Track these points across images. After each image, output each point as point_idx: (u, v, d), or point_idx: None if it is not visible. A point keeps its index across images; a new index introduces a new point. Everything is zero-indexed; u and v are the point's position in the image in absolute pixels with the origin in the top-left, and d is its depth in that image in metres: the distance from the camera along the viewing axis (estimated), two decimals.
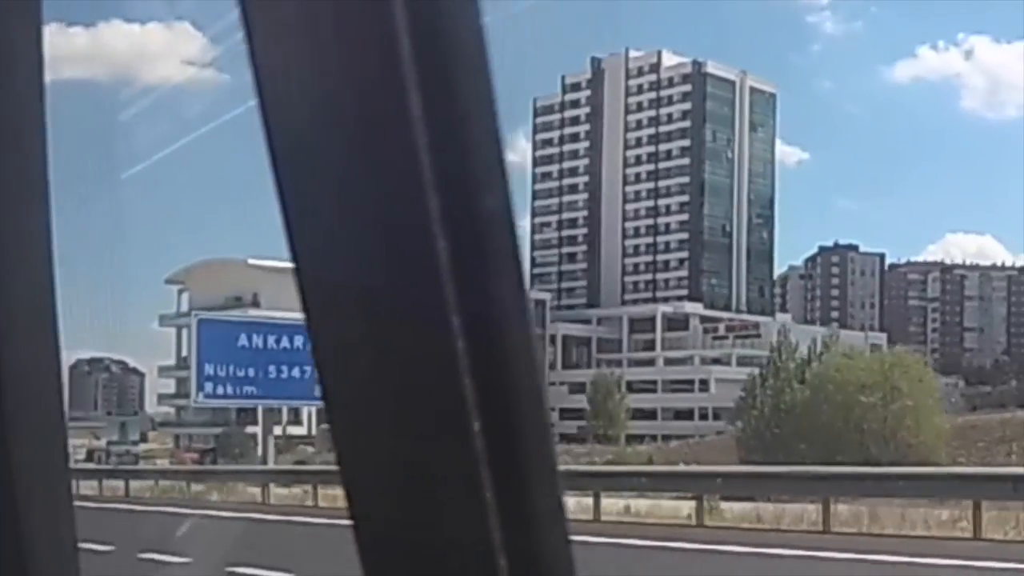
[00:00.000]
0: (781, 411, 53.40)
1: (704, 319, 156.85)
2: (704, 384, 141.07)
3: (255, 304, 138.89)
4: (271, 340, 31.53)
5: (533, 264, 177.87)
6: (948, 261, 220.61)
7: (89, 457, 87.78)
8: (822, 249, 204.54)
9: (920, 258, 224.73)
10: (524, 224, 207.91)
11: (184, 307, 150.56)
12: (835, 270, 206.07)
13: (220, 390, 30.81)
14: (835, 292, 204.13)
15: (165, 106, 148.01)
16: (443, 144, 0.95)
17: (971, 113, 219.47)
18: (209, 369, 30.59)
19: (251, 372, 31.14)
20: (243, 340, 31.00)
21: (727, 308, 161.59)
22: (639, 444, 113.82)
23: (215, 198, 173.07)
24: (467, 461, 0.91)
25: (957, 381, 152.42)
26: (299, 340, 31.97)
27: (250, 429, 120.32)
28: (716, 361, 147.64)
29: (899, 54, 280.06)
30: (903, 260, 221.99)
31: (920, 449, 48.22)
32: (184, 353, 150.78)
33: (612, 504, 28.29)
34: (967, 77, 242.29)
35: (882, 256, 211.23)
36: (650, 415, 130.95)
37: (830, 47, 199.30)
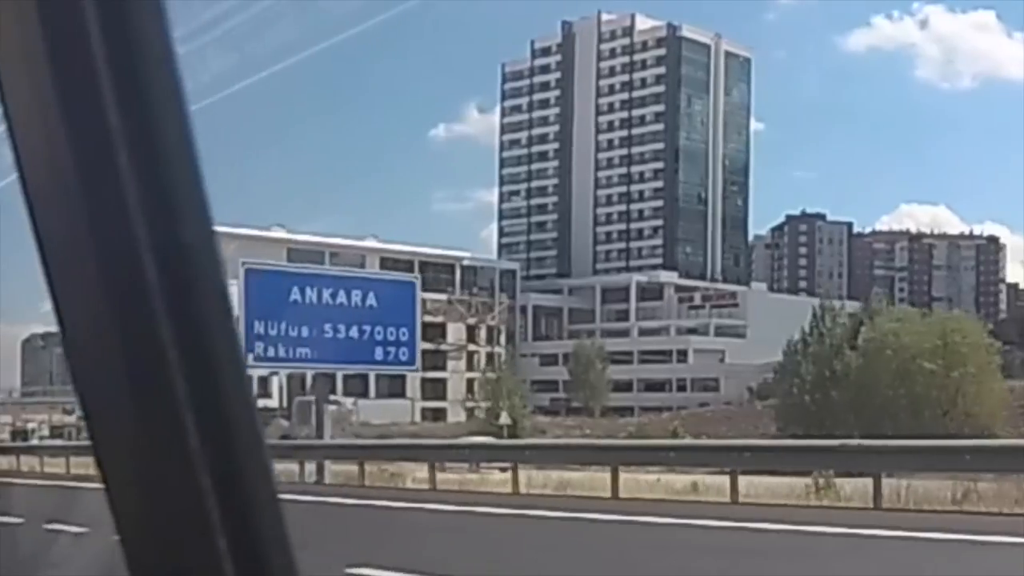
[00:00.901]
0: (828, 380, 49.88)
1: (679, 288, 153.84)
2: (682, 355, 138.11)
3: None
4: (326, 294, 27.57)
5: (501, 234, 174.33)
6: (913, 230, 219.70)
7: (58, 434, 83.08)
8: (789, 218, 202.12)
9: (882, 228, 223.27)
10: (492, 193, 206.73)
11: None
12: (803, 239, 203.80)
13: (271, 352, 26.81)
14: (803, 262, 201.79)
15: None
16: (144, 166, 1.07)
17: (926, 83, 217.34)
18: (259, 327, 26.52)
19: (305, 331, 27.17)
20: (295, 294, 27.03)
21: (702, 277, 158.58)
22: (620, 417, 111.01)
23: None
24: (183, 448, 1.08)
25: None
26: (356, 295, 28.20)
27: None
28: (692, 331, 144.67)
29: (854, 23, 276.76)
30: (868, 230, 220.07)
31: (981, 418, 45.18)
32: None
33: (646, 479, 26.62)
34: (922, 47, 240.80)
35: (849, 225, 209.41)
36: (625, 387, 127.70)
37: (784, 17, 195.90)
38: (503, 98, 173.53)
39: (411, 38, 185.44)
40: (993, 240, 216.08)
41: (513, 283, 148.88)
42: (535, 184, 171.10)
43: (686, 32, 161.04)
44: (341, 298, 27.52)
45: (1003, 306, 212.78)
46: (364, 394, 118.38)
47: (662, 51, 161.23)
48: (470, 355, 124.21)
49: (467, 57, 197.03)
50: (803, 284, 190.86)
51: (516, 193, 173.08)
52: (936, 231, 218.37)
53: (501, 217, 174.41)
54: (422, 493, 24.75)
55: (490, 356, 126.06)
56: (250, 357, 26.93)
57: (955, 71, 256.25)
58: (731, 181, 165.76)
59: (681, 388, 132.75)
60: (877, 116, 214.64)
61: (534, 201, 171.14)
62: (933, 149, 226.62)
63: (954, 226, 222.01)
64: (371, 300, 28.21)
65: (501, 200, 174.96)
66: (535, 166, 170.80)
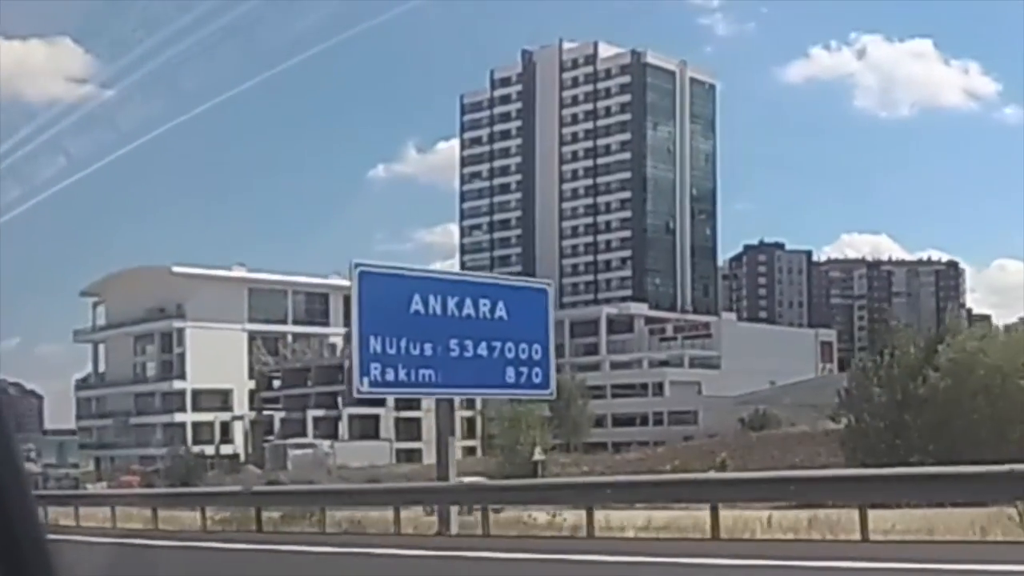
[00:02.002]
0: (902, 403, 45.98)
1: (649, 320, 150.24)
2: (658, 388, 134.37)
3: (180, 315, 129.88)
4: (451, 304, 22.97)
5: (463, 268, 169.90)
6: (871, 258, 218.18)
7: None
8: (747, 248, 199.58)
9: (838, 255, 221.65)
10: (432, 233, 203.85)
11: (100, 321, 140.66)
12: (762, 268, 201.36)
13: (390, 375, 22.20)
14: (762, 291, 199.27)
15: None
16: None
17: (864, 112, 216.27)
18: (375, 344, 21.96)
19: (428, 349, 22.50)
20: (416, 303, 22.39)
21: (672, 308, 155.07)
22: (603, 452, 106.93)
23: (124, 208, 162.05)
24: None
25: None
26: (484, 304, 23.71)
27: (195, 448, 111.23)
28: (664, 363, 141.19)
29: (792, 55, 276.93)
30: (823, 258, 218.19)
31: None
32: (102, 369, 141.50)
33: (750, 517, 23.34)
34: (860, 76, 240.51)
35: (808, 253, 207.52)
36: (599, 422, 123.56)
37: (722, 49, 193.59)
38: (462, 130, 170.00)
39: (349, 74, 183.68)
40: (952, 265, 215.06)
41: None
42: (497, 217, 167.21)
43: (651, 59, 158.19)
44: (468, 308, 22.98)
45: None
46: (334, 435, 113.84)
47: (626, 79, 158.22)
48: None
49: (405, 95, 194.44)
50: (763, 314, 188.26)
51: (478, 227, 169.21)
52: (894, 258, 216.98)
53: (463, 252, 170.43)
54: (539, 541, 20.35)
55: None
56: (364, 382, 22.41)
57: (893, 100, 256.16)
58: (699, 210, 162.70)
59: (658, 422, 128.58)
60: (816, 147, 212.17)
61: (497, 235, 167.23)
62: (873, 179, 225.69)
63: (896, 256, 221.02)
64: (501, 311, 23.68)
65: (462, 234, 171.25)
66: (497, 199, 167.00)
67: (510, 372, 23.94)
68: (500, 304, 23.33)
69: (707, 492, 21.55)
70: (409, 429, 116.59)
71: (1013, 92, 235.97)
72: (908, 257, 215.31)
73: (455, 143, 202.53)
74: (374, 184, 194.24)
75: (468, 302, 22.87)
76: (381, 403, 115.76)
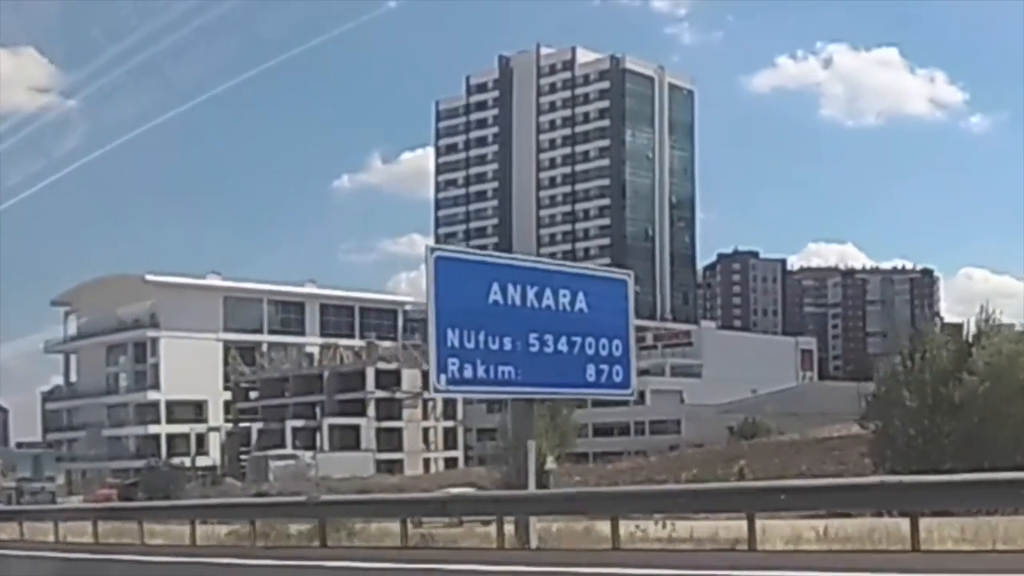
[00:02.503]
0: (935, 408, 44.26)
1: None
2: (639, 397, 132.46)
3: (154, 324, 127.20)
4: (531, 294, 20.94)
5: None
6: (843, 266, 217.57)
7: None
8: (721, 256, 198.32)
9: (805, 264, 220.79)
10: (397, 243, 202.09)
11: (72, 331, 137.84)
12: (736, 277, 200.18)
13: (468, 372, 20.08)
14: (737, 300, 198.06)
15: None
16: None
17: (831, 121, 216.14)
18: (452, 337, 19.87)
19: (507, 344, 20.43)
20: (495, 293, 20.34)
21: (652, 317, 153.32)
22: (588, 462, 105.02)
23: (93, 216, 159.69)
24: None
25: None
26: (564, 295, 21.70)
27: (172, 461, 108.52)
28: (645, 372, 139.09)
29: (758, 64, 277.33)
30: (796, 267, 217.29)
31: None
32: (73, 379, 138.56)
33: (798, 526, 21.71)
34: (827, 85, 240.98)
35: (783, 262, 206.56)
36: (579, 432, 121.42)
37: (688, 59, 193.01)
38: (437, 137, 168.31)
39: (316, 82, 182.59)
40: (927, 273, 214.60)
41: None
42: (474, 225, 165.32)
43: (629, 64, 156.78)
44: (547, 299, 20.94)
45: None
46: (314, 446, 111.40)
47: (605, 84, 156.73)
48: (425, 403, 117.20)
49: (372, 104, 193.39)
50: (737, 323, 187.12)
51: (453, 235, 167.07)
52: (866, 266, 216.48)
53: None
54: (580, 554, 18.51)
55: (447, 403, 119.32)
56: (442, 380, 20.38)
57: (859, 109, 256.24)
58: (678, 217, 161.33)
59: (639, 432, 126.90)
60: (783, 156, 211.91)
61: (473, 242, 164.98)
62: (839, 188, 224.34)
63: (862, 264, 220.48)
64: (581, 302, 21.67)
65: (437, 242, 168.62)
66: (473, 206, 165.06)
67: (590, 370, 21.95)
68: (580, 295, 21.33)
69: (747, 502, 19.51)
70: (390, 439, 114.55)
71: (979, 101, 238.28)
72: (878, 265, 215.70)
73: (420, 153, 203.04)
74: (339, 194, 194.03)
75: (548, 292, 20.85)
76: (362, 413, 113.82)
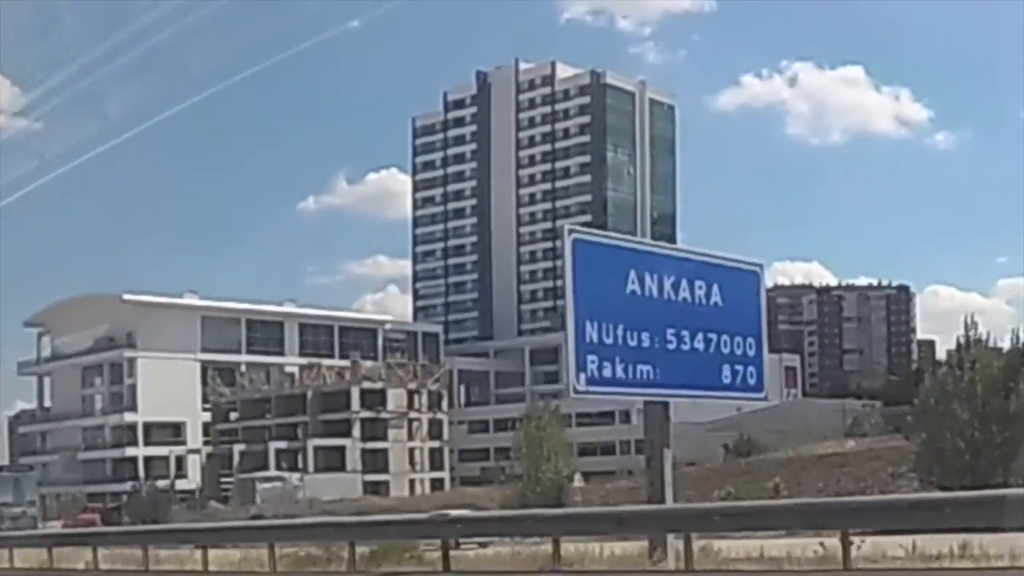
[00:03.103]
0: (991, 419, 42.99)
1: None
2: (625, 415, 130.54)
3: (131, 345, 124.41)
4: (667, 284, 18.92)
5: (416, 296, 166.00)
6: (818, 284, 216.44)
7: None
8: None
9: (779, 281, 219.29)
10: (363, 265, 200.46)
11: (45, 352, 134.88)
12: None
13: (608, 371, 18.02)
14: None
15: None
16: None
17: (796, 140, 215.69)
18: (591, 332, 17.82)
19: (645, 339, 18.40)
20: (633, 282, 18.30)
21: None
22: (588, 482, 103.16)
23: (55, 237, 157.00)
24: None
25: (874, 404, 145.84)
26: (700, 287, 19.71)
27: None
28: None
29: (723, 83, 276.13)
30: (770, 284, 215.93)
31: None
32: (47, 403, 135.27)
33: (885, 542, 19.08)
34: (792, 103, 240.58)
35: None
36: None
37: (653, 78, 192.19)
38: (414, 154, 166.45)
39: (282, 101, 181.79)
40: (903, 289, 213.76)
41: (436, 347, 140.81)
42: (452, 243, 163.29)
43: (610, 79, 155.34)
44: (684, 291, 18.97)
45: (915, 357, 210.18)
46: (297, 468, 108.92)
47: (586, 99, 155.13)
48: (410, 423, 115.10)
49: (337, 124, 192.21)
50: None
51: (431, 254, 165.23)
52: (857, 283, 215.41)
53: (416, 279, 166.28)
54: None
55: (432, 423, 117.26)
56: (581, 379, 18.30)
57: (825, 126, 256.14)
58: (660, 234, 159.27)
59: (624, 451, 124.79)
60: (748, 175, 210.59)
61: (451, 261, 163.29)
62: (805, 205, 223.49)
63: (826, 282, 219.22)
64: (716, 295, 19.69)
65: (415, 261, 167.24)
66: (451, 224, 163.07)
67: (726, 371, 19.95)
68: (715, 287, 19.40)
69: (837, 519, 17.58)
70: (376, 460, 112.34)
71: (944, 119, 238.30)
72: (853, 282, 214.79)
73: (386, 174, 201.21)
74: (305, 215, 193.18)
75: (684, 283, 18.89)
76: (346, 434, 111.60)
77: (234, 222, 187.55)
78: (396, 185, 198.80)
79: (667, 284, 18.95)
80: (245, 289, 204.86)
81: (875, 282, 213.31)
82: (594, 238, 19.99)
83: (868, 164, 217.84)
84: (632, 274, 18.50)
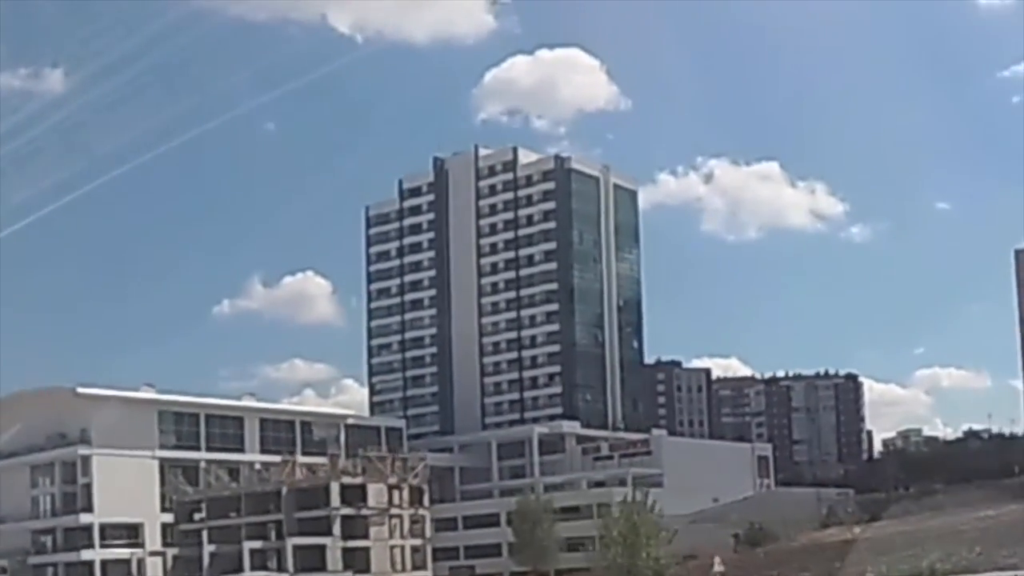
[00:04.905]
0: None
1: (581, 439, 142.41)
2: (604, 509, 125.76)
3: (84, 441, 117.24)
4: None
5: (372, 391, 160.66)
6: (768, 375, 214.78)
7: None
8: (644, 366, 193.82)
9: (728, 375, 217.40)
10: (278, 370, 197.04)
11: None
12: (661, 387, 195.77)
13: None
14: (662, 411, 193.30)
15: None
16: None
17: (712, 236, 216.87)
18: None
19: None
20: None
21: (603, 426, 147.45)
22: None
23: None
24: None
25: (847, 492, 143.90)
26: None
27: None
28: (600, 484, 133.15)
29: (638, 181, 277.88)
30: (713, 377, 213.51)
31: None
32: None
33: None
34: (708, 200, 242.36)
35: (707, 371, 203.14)
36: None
37: None
38: (368, 244, 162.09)
39: (196, 201, 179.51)
40: (852, 378, 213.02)
41: (400, 442, 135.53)
42: (409, 335, 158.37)
43: (575, 164, 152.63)
44: None
45: (864, 447, 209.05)
46: (268, 569, 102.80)
47: (550, 185, 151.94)
48: (390, 520, 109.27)
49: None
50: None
51: (387, 347, 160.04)
52: (805, 372, 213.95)
53: (372, 373, 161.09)
54: None
55: (414, 520, 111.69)
56: None
57: (740, 223, 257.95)
58: (626, 322, 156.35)
59: (607, 546, 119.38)
60: (663, 273, 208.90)
61: (409, 354, 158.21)
62: (722, 301, 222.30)
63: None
64: None
65: (370, 355, 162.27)
66: (408, 315, 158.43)
67: None
68: None
69: None
70: (356, 560, 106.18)
71: (859, 212, 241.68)
72: (800, 372, 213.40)
73: (301, 277, 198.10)
74: (219, 320, 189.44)
75: None
76: (325, 532, 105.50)
77: (153, 323, 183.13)
78: (312, 288, 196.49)
79: None
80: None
81: (822, 371, 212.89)
82: None
83: (784, 258, 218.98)
84: None
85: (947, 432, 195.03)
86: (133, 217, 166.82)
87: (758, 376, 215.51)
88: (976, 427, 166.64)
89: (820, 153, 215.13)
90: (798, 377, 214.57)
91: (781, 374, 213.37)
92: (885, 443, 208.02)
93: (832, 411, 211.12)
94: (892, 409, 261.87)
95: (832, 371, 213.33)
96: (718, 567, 52.68)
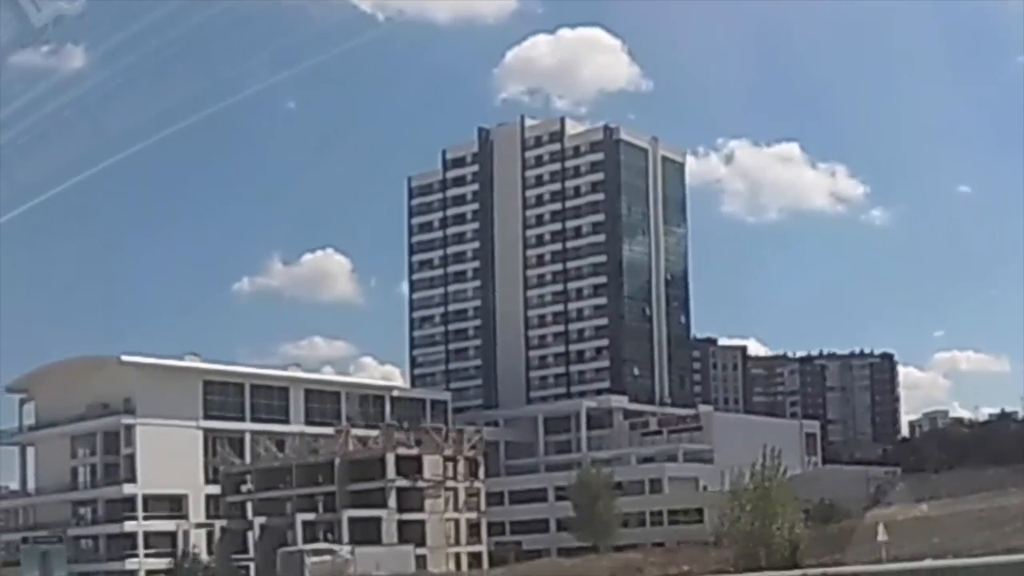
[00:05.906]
0: None
1: (628, 414, 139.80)
2: (656, 485, 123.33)
3: (128, 411, 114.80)
4: None
5: (414, 364, 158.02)
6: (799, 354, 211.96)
7: None
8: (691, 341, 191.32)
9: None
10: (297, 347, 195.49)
11: (29, 420, 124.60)
12: (697, 365, 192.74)
13: None
14: (698, 388, 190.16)
15: None
16: None
17: (732, 218, 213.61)
18: None
19: None
20: None
21: (651, 401, 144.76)
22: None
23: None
24: None
25: (895, 471, 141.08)
26: None
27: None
28: (650, 459, 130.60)
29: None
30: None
31: None
32: (29, 481, 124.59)
33: None
34: (728, 182, 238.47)
35: (743, 349, 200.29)
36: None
37: None
38: (410, 215, 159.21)
39: (215, 177, 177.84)
40: (887, 357, 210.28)
41: (444, 415, 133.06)
42: (452, 307, 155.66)
43: (624, 135, 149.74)
44: None
45: (900, 425, 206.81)
46: (327, 541, 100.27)
47: (599, 156, 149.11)
48: (446, 492, 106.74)
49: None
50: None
51: (429, 319, 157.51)
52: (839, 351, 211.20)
53: (413, 346, 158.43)
54: None
55: (470, 493, 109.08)
56: None
57: (761, 205, 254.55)
58: (673, 296, 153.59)
59: (656, 523, 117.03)
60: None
61: (452, 326, 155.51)
62: (741, 284, 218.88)
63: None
64: None
65: (412, 327, 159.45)
66: (452, 287, 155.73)
67: None
68: None
69: None
70: (411, 533, 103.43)
71: (879, 194, 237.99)
72: (835, 351, 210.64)
73: (321, 255, 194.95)
74: (239, 297, 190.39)
75: None
76: (380, 504, 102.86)
77: (168, 303, 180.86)
78: (332, 266, 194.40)
79: None
80: None
81: (857, 350, 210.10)
82: None
83: (804, 240, 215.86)
84: None
85: (966, 415, 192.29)
86: (152, 195, 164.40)
87: (791, 355, 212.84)
88: (1008, 409, 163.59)
89: (841, 135, 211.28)
90: (832, 356, 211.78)
91: (815, 352, 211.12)
92: (911, 424, 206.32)
93: (867, 391, 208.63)
94: (910, 393, 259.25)
95: (867, 350, 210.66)
96: (882, 535, 49.79)
